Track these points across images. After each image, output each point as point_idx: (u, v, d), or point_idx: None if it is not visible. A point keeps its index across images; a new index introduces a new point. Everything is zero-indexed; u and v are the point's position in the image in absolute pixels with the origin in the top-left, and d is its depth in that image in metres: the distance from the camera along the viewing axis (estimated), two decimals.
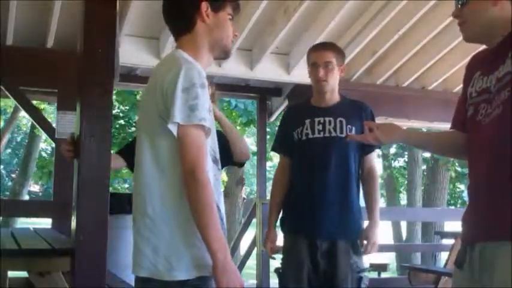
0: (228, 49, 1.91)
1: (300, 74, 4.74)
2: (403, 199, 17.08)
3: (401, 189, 16.96)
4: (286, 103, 5.87)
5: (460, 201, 16.29)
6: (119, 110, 11.81)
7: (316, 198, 2.82)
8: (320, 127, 2.87)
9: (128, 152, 2.72)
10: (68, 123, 4.48)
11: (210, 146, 1.76)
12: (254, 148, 8.45)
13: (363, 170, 2.94)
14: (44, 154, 17.21)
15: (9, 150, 21.45)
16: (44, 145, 17.02)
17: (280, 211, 3.01)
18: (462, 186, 15.75)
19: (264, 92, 6.07)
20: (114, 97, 6.84)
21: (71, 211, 2.95)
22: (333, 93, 2.95)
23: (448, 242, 5.73)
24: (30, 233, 4.04)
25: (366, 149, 2.88)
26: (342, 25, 4.76)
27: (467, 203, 1.84)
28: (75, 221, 2.70)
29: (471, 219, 1.75)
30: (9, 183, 18.64)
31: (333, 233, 2.81)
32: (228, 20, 1.87)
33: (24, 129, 18.53)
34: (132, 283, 2.24)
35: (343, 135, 2.82)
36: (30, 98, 5.03)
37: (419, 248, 10.99)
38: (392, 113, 5.45)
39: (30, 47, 4.66)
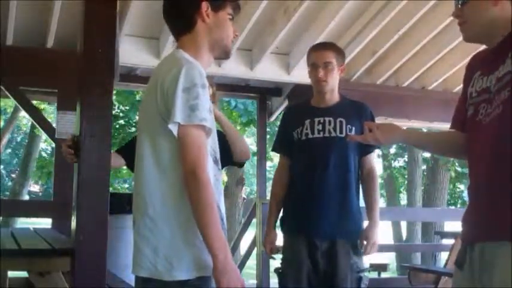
0: (229, 49, 1.91)
1: (300, 74, 4.74)
2: (403, 199, 17.09)
3: (401, 189, 16.98)
4: (286, 103, 5.87)
5: (460, 201, 16.30)
6: (118, 110, 11.81)
7: (316, 198, 2.82)
8: (320, 127, 2.87)
9: (128, 151, 2.72)
10: (68, 123, 4.48)
11: (211, 146, 1.76)
12: (254, 148, 8.44)
13: (363, 170, 2.94)
14: (44, 154, 17.21)
15: (9, 150, 21.46)
16: (44, 145, 17.03)
17: (280, 211, 3.01)
18: (462, 186, 15.75)
19: (264, 92, 6.07)
20: (114, 97, 6.84)
21: (71, 211, 2.96)
22: (332, 93, 2.95)
23: (448, 242, 5.73)
24: (30, 233, 4.04)
25: (365, 149, 2.88)
26: (342, 25, 4.76)
27: (468, 203, 1.84)
28: (75, 221, 2.70)
29: (471, 219, 1.75)
30: (9, 183, 18.65)
31: (333, 233, 2.81)
32: (228, 20, 1.87)
33: (24, 129, 18.54)
34: (132, 283, 2.24)
35: (343, 136, 2.82)
36: (30, 98, 5.03)
37: (419, 248, 10.99)
38: (392, 113, 5.45)
39: (30, 47, 4.66)
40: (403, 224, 14.13)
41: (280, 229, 2.99)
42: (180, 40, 1.85)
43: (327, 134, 2.86)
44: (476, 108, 1.76)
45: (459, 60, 5.08)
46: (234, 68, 5.01)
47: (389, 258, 11.53)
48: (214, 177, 1.73)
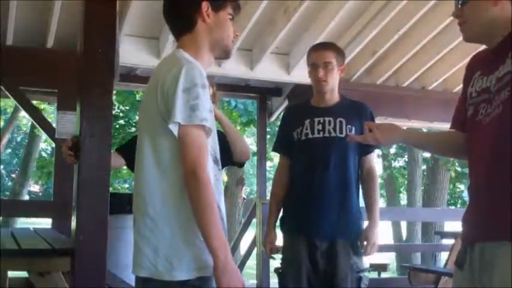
0: (229, 49, 1.91)
1: (300, 74, 4.74)
2: (403, 199, 17.09)
3: (401, 189, 16.98)
4: (286, 103, 5.87)
5: (460, 201, 16.30)
6: (118, 110, 11.81)
7: (316, 198, 2.82)
8: (320, 127, 2.87)
9: (128, 151, 2.72)
10: (68, 123, 4.48)
11: (211, 146, 1.76)
12: (254, 148, 8.44)
13: (363, 171, 2.94)
14: (44, 154, 17.22)
15: (9, 150, 21.46)
16: (44, 145, 17.03)
17: (280, 211, 3.01)
18: (462, 186, 15.75)
19: (264, 92, 6.07)
20: (114, 97, 6.84)
21: (71, 211, 2.96)
22: (332, 93, 2.95)
23: (448, 242, 5.73)
24: (30, 233, 4.04)
25: (365, 149, 2.88)
26: (342, 25, 4.76)
27: (468, 203, 1.84)
28: (75, 221, 2.70)
29: (471, 219, 1.75)
30: (9, 183, 18.65)
31: (333, 233, 2.81)
32: (229, 20, 1.87)
33: (24, 129, 18.54)
34: (132, 283, 2.24)
35: (343, 136, 2.82)
36: (30, 98, 5.03)
37: (419, 248, 10.99)
38: (392, 113, 5.45)
39: (30, 47, 4.66)
40: (403, 224, 14.13)
41: (280, 229, 2.99)
42: (180, 40, 1.85)
43: (326, 134, 2.86)
44: (476, 108, 1.76)
45: (459, 60, 5.08)
46: (234, 68, 5.01)
47: (389, 258, 11.52)
48: (215, 177, 1.73)
